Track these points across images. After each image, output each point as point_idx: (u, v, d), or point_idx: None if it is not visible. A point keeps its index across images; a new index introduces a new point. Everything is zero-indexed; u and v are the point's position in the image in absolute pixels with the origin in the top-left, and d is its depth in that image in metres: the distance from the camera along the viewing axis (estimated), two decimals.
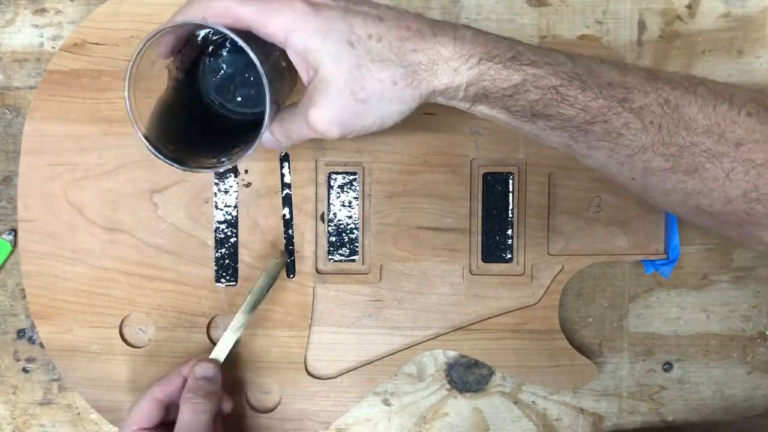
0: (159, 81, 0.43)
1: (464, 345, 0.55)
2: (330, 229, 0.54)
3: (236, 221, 0.54)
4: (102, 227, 0.54)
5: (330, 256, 0.55)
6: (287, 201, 0.54)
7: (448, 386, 0.58)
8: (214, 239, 0.54)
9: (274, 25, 0.37)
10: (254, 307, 0.51)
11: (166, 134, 0.43)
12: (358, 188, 0.54)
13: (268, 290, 0.52)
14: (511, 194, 0.54)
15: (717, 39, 0.56)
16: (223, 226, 0.54)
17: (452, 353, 0.58)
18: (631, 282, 0.58)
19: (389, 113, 0.40)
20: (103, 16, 0.53)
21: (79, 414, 0.58)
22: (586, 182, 0.54)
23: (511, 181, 0.54)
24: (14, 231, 0.57)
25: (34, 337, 0.57)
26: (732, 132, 0.41)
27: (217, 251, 0.54)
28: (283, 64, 0.42)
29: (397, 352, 0.55)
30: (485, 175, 0.54)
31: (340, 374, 0.55)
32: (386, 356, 0.55)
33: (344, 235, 0.54)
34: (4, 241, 0.56)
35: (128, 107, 0.41)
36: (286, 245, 0.54)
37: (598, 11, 0.56)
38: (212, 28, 0.38)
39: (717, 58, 0.56)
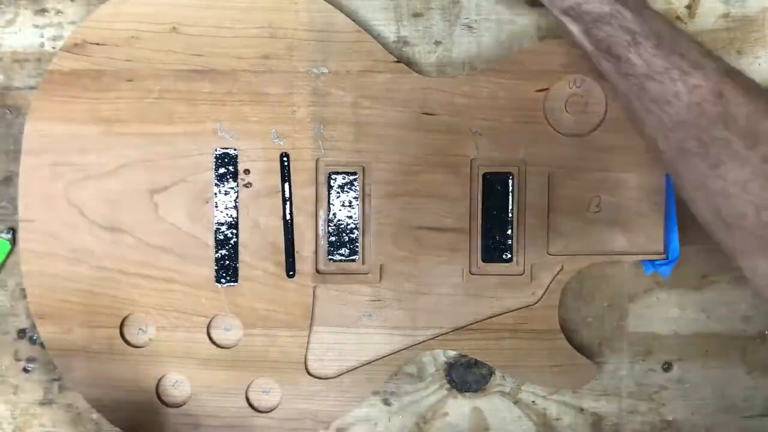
0: None
1: (464, 345, 0.55)
2: (330, 229, 0.54)
3: (236, 221, 0.54)
4: (102, 227, 0.54)
5: (330, 256, 0.55)
6: (287, 201, 0.54)
7: (448, 386, 0.58)
8: (214, 239, 0.54)
9: None
10: None
11: None
12: (358, 188, 0.54)
13: None
14: (511, 194, 0.54)
15: (716, 39, 0.56)
16: (223, 227, 0.54)
17: (452, 353, 0.58)
18: (631, 282, 0.58)
19: None
20: (104, 17, 0.53)
21: (79, 414, 0.58)
22: (586, 182, 0.54)
23: (511, 181, 0.54)
24: (12, 230, 0.57)
25: (34, 337, 0.57)
26: (765, 146, 0.42)
27: (217, 251, 0.54)
28: None
29: (397, 352, 0.55)
30: (485, 175, 0.54)
31: (340, 374, 0.55)
32: (386, 356, 0.55)
33: (344, 235, 0.54)
34: (3, 240, 0.56)
35: None
36: (286, 245, 0.54)
37: None
38: None
39: None
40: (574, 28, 0.47)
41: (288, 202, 0.54)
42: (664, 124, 0.45)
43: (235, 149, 0.54)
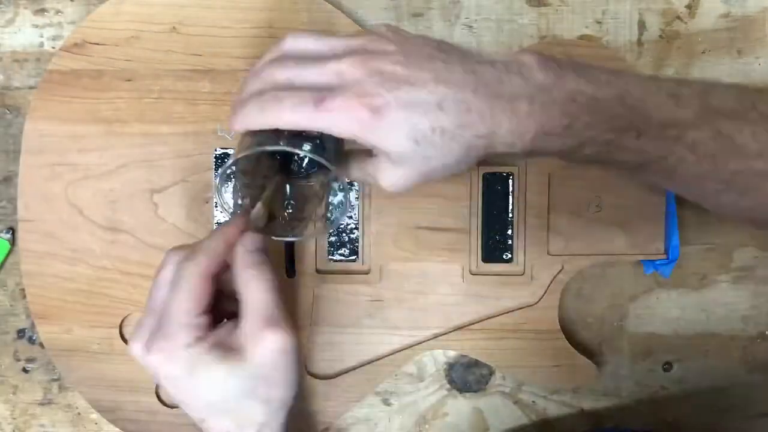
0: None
1: (464, 345, 0.55)
2: (330, 229, 0.54)
3: None
4: (102, 227, 0.54)
5: (330, 256, 0.55)
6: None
7: (448, 386, 0.58)
8: None
9: (342, 132, 0.39)
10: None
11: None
12: (358, 188, 0.54)
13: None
14: (511, 194, 0.54)
15: (717, 39, 0.56)
16: None
17: (452, 353, 0.58)
18: (631, 282, 0.58)
19: (452, 173, 0.42)
20: (103, 16, 0.53)
21: (79, 414, 0.58)
22: (586, 182, 0.54)
23: (511, 181, 0.54)
24: (12, 229, 0.57)
25: (34, 337, 0.57)
26: None
27: None
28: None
29: (397, 352, 0.55)
30: (485, 175, 0.54)
31: (340, 374, 0.55)
32: (386, 356, 0.55)
33: (344, 235, 0.54)
34: (3, 240, 0.56)
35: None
36: (286, 245, 0.54)
37: (598, 11, 0.56)
38: (288, 151, 0.41)
39: (717, 58, 0.56)
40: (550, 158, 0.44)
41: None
42: (674, 182, 0.44)
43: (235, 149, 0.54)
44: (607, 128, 0.40)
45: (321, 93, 0.39)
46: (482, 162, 0.54)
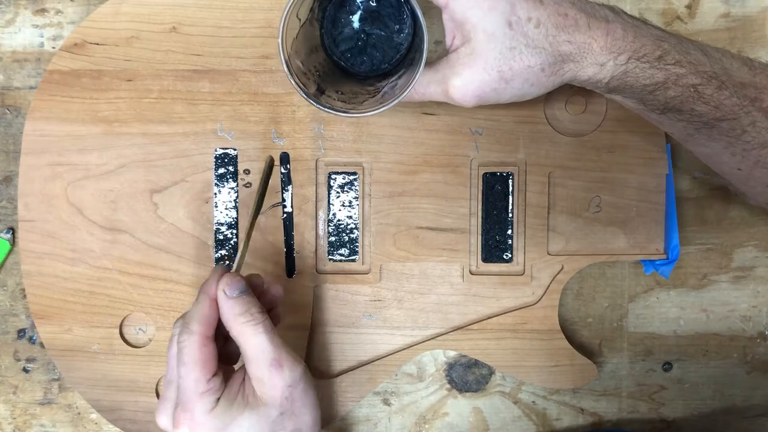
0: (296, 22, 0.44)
1: (464, 345, 0.55)
2: (330, 229, 0.54)
3: (236, 221, 0.54)
4: (102, 227, 0.54)
5: (330, 256, 0.55)
6: (287, 201, 0.54)
7: (448, 386, 0.58)
8: (214, 239, 0.54)
9: None
10: (257, 211, 0.48)
11: (297, 68, 0.44)
12: (358, 188, 0.54)
13: (264, 193, 0.48)
14: (511, 194, 0.54)
15: (717, 39, 0.56)
16: (223, 227, 0.54)
17: (452, 353, 0.58)
18: (631, 282, 0.58)
19: (528, 93, 0.41)
20: (103, 16, 0.53)
21: (79, 414, 0.58)
22: (586, 182, 0.54)
23: (511, 181, 0.54)
24: (12, 229, 0.57)
25: (34, 337, 0.57)
26: None
27: (217, 251, 0.54)
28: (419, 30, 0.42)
29: (397, 352, 0.55)
30: (485, 175, 0.54)
31: (340, 374, 0.55)
32: (386, 356, 0.55)
33: (344, 235, 0.54)
34: (3, 240, 0.56)
35: (281, 50, 0.42)
36: (286, 245, 0.54)
37: None
38: None
39: None
40: (630, 103, 0.43)
41: (288, 203, 0.54)
42: (735, 148, 0.43)
43: (234, 149, 0.54)
44: (693, 71, 0.40)
45: None
46: (482, 162, 0.54)
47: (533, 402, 0.58)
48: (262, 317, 0.43)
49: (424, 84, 0.42)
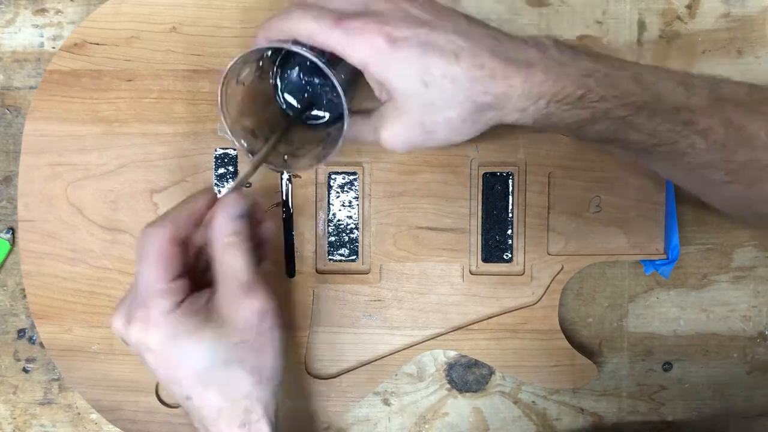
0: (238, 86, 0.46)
1: (464, 345, 0.55)
2: (330, 229, 0.54)
3: None
4: (102, 227, 0.54)
5: (330, 256, 0.55)
6: (287, 201, 0.54)
7: (448, 386, 0.58)
8: None
9: (353, 55, 0.40)
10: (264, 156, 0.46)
11: (243, 128, 0.46)
12: (358, 188, 0.54)
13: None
14: (511, 194, 0.54)
15: (717, 39, 0.56)
16: None
17: (452, 353, 0.58)
18: (631, 282, 0.58)
19: (456, 139, 0.42)
20: (103, 16, 0.53)
21: (79, 414, 0.58)
22: (586, 182, 0.54)
23: (511, 181, 0.54)
24: (12, 229, 0.57)
25: (34, 337, 0.57)
26: None
27: None
28: (356, 74, 0.44)
29: (397, 352, 0.55)
30: (485, 175, 0.54)
31: (340, 374, 0.55)
32: (386, 356, 0.55)
33: (344, 235, 0.54)
34: (3, 240, 0.56)
35: (221, 110, 0.45)
36: (286, 245, 0.54)
37: (598, 11, 0.56)
38: (300, 53, 0.42)
39: (717, 58, 0.56)
40: (558, 132, 0.44)
41: (288, 203, 0.54)
42: (680, 169, 0.43)
43: (234, 149, 0.54)
44: (620, 104, 0.40)
45: (344, 13, 0.39)
46: (482, 162, 0.54)
47: (533, 402, 0.58)
48: (248, 245, 0.41)
49: (361, 132, 0.44)
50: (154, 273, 0.40)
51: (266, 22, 0.42)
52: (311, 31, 0.40)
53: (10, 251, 0.57)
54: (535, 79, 0.39)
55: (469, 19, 0.41)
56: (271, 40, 0.43)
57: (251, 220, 0.43)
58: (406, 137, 0.42)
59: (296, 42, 0.42)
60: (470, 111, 0.40)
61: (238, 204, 0.42)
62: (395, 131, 0.42)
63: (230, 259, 0.41)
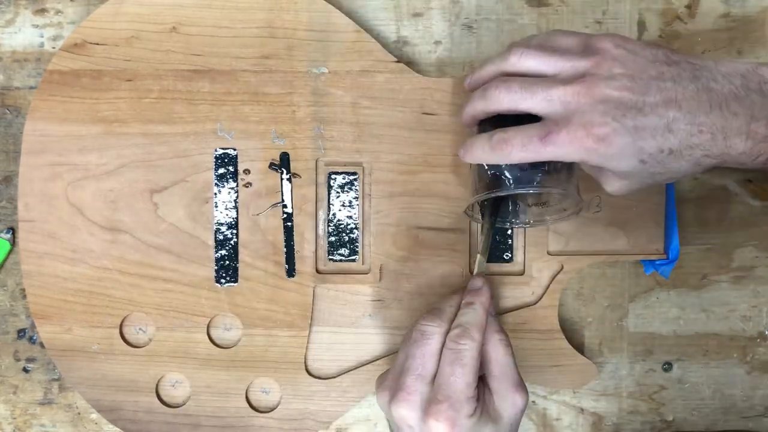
0: None
1: None
2: (330, 229, 0.54)
3: (236, 221, 0.54)
4: (102, 227, 0.54)
5: (330, 256, 0.55)
6: (287, 201, 0.54)
7: None
8: (214, 239, 0.54)
9: (568, 159, 0.41)
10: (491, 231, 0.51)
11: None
12: (358, 188, 0.54)
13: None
14: None
15: (717, 39, 0.56)
16: (223, 227, 0.54)
17: None
18: (631, 282, 0.58)
19: (676, 180, 0.44)
20: (103, 17, 0.53)
21: (79, 414, 0.58)
22: (586, 182, 0.54)
23: None
24: (12, 229, 0.57)
25: (34, 337, 0.57)
26: None
27: (217, 251, 0.54)
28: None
29: (397, 352, 0.55)
30: None
31: (340, 374, 0.55)
32: (386, 356, 0.55)
33: (344, 235, 0.54)
34: (3, 240, 0.56)
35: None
36: (286, 245, 0.54)
37: (598, 11, 0.56)
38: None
39: (717, 58, 0.56)
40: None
41: (288, 202, 0.54)
42: None
43: (234, 149, 0.54)
44: None
45: (546, 126, 0.40)
46: None
47: (533, 402, 0.58)
48: (509, 339, 0.47)
49: (584, 168, 0.47)
50: (468, 380, 0.44)
51: (470, 146, 0.44)
52: (522, 157, 0.42)
53: (10, 251, 0.57)
54: (757, 136, 0.39)
55: (671, 60, 0.40)
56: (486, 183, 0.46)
57: None
58: (629, 189, 0.44)
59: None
60: (691, 168, 0.41)
61: (491, 301, 0.48)
62: (617, 187, 0.44)
63: (501, 359, 0.46)
